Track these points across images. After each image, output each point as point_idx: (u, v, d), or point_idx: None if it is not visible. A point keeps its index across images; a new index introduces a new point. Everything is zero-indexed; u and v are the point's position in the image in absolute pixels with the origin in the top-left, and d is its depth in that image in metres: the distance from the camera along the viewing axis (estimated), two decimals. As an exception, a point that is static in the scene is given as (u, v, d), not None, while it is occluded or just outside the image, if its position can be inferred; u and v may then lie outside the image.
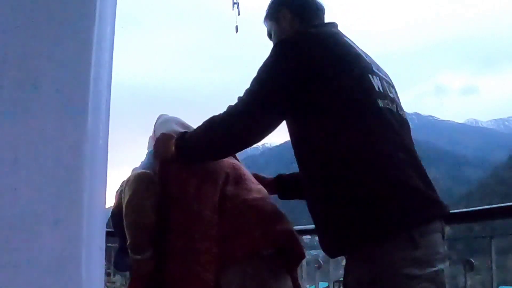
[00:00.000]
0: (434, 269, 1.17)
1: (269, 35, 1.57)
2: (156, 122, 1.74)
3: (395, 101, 1.39)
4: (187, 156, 1.45)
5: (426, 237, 1.19)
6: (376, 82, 1.36)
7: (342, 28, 1.53)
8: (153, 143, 1.67)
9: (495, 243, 1.74)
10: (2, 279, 0.50)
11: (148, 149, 1.72)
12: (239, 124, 1.37)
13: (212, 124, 1.40)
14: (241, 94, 1.40)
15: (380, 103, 1.32)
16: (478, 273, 1.11)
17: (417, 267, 1.15)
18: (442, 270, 1.19)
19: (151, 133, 1.73)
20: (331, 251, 1.38)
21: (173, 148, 1.45)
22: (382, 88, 1.37)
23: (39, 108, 0.54)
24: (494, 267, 1.72)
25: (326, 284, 2.82)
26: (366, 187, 1.21)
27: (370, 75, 1.36)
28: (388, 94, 1.38)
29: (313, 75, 1.29)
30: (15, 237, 0.51)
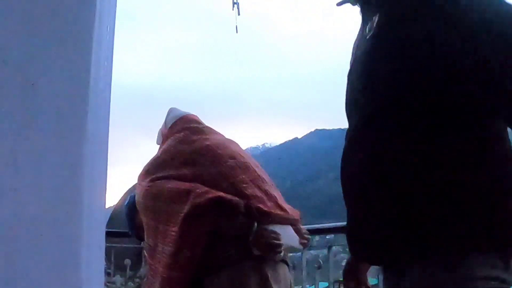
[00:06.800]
0: None
1: None
2: (167, 116, 1.72)
3: None
4: None
5: None
6: None
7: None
8: (161, 137, 1.66)
9: (495, 243, 1.73)
10: (2, 279, 0.50)
11: (157, 142, 1.71)
12: None
13: None
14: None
15: None
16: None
17: None
18: None
19: (161, 127, 1.72)
20: (395, 252, 1.09)
21: None
22: None
23: (39, 108, 0.55)
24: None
25: (326, 284, 2.82)
26: (482, 193, 0.95)
27: None
28: None
29: None
30: (15, 237, 0.52)
